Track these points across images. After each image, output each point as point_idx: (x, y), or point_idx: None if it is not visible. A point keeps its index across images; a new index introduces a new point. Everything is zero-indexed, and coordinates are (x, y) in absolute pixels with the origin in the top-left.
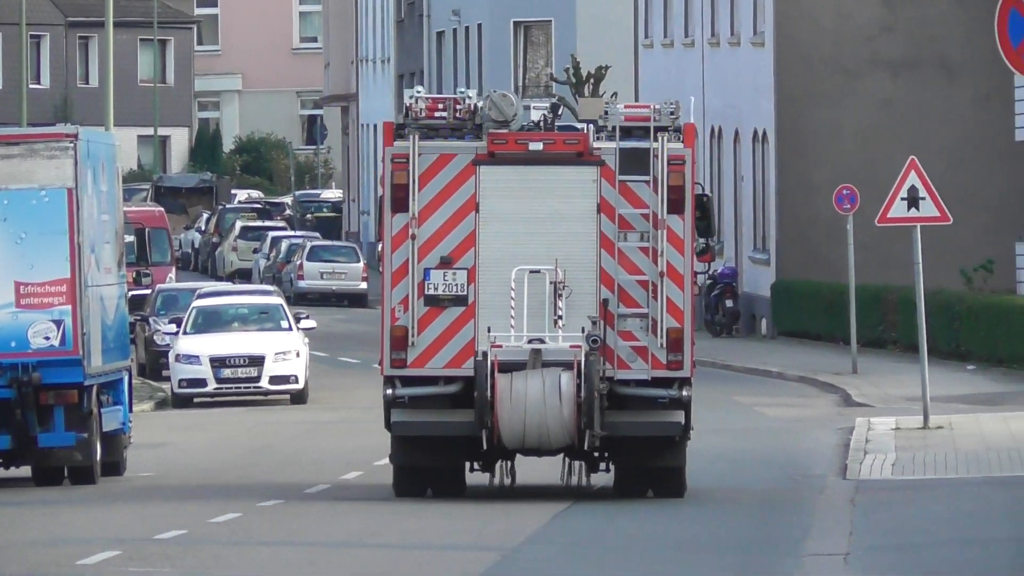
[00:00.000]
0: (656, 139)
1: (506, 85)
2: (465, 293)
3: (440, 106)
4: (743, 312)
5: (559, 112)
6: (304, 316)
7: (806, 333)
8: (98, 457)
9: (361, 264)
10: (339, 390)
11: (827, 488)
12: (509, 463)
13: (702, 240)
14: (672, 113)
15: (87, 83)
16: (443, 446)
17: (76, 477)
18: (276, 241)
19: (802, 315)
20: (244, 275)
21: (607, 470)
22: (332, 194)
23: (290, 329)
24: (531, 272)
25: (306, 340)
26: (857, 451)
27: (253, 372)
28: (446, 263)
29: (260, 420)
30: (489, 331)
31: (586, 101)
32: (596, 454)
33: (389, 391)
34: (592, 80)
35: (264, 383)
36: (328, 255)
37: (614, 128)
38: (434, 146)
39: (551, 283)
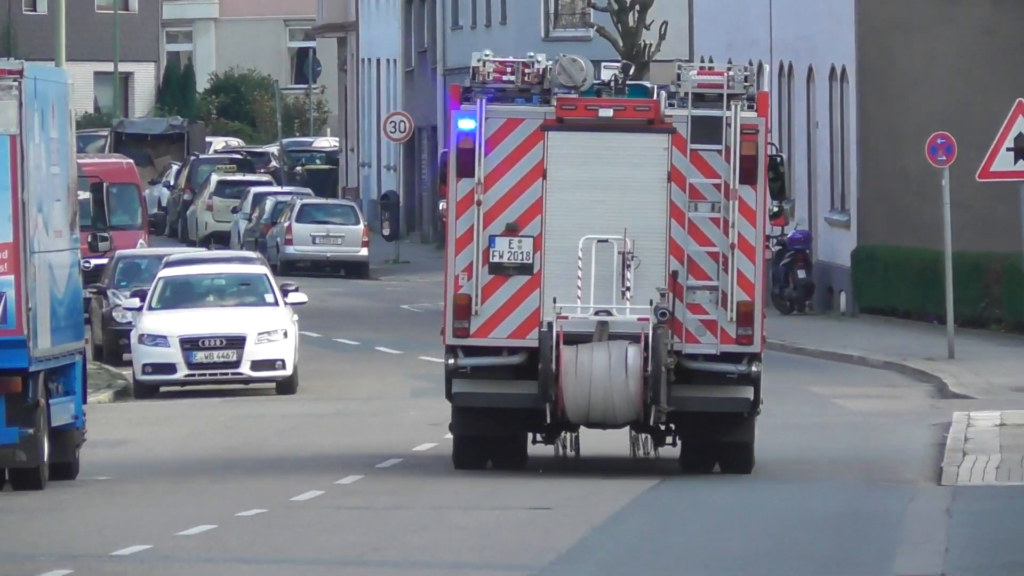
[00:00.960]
0: (729, 107)
1: (535, 12)
2: (531, 262)
3: (508, 69)
4: (818, 284)
5: (630, 71)
6: (293, 289)
7: (893, 310)
8: (46, 457)
9: (361, 226)
10: (334, 377)
11: (919, 495)
12: (573, 435)
13: (774, 203)
14: (746, 80)
15: (34, 9)
16: (505, 417)
17: (19, 481)
18: (259, 199)
19: (889, 288)
20: (221, 239)
21: (674, 444)
22: (326, 143)
23: (276, 304)
24: (599, 241)
25: (295, 317)
26: (954, 452)
27: (232, 356)
28: (512, 230)
29: (240, 413)
30: (555, 302)
31: (657, 66)
32: (663, 428)
33: (451, 361)
34: (638, 6)
35: (245, 369)
36: (322, 216)
37: (686, 94)
38: (502, 110)
39: (619, 253)
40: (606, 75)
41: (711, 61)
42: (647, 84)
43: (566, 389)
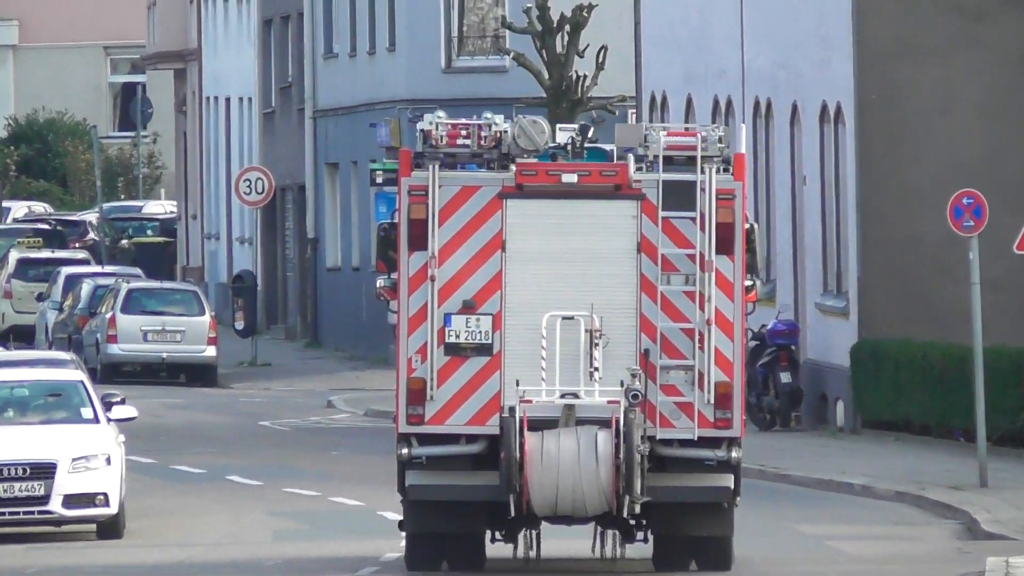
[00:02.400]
0: (703, 171)
1: (433, 36)
2: (490, 341)
3: (463, 132)
4: (807, 391)
5: (589, 134)
6: (118, 400)
7: (906, 424)
8: None
9: (207, 318)
10: (173, 516)
11: None
12: (534, 532)
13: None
14: (720, 140)
15: None
16: (463, 512)
17: None
18: (73, 282)
19: (900, 395)
20: (23, 335)
21: (644, 540)
22: (160, 208)
23: (96, 421)
24: (564, 318)
25: (121, 438)
26: None
27: (37, 489)
28: (469, 308)
29: (48, 564)
30: (518, 384)
31: (623, 127)
32: (633, 522)
33: (404, 450)
34: (567, 27)
35: (55, 506)
36: (155, 304)
37: (655, 157)
38: (456, 177)
39: (586, 331)
40: (562, 137)
41: (662, 97)
42: (606, 148)
43: (531, 479)
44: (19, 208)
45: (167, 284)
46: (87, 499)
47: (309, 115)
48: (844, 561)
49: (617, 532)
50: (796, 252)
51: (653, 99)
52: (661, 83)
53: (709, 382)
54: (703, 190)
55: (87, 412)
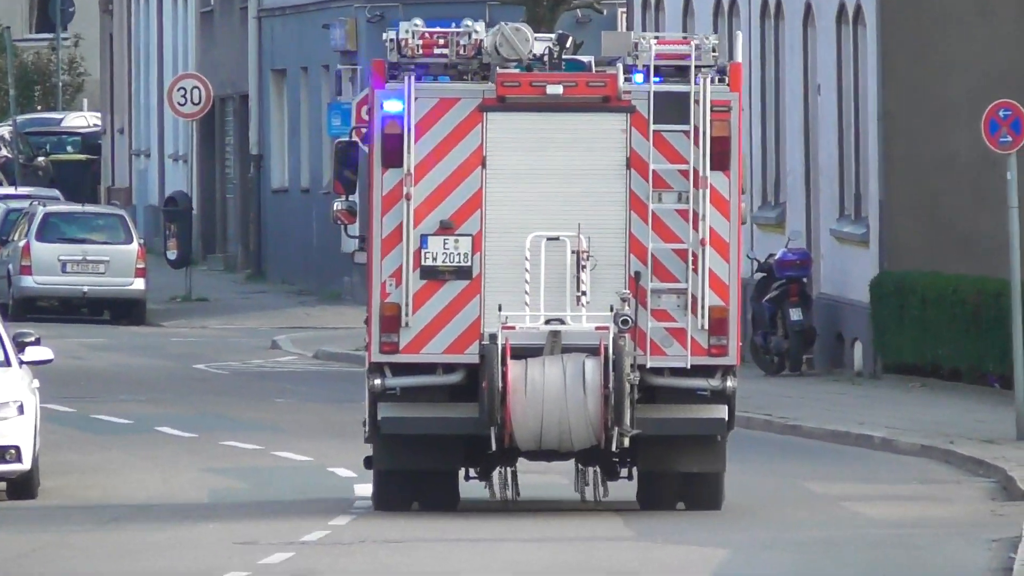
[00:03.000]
0: (697, 81)
1: None
2: (469, 264)
3: (441, 41)
4: (821, 330)
5: (567, 44)
6: (31, 340)
7: (933, 368)
8: None
9: (134, 247)
10: (95, 474)
11: None
12: (510, 470)
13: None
14: (714, 49)
15: None
16: (438, 448)
17: None
18: None
19: (926, 335)
20: None
21: (628, 477)
22: (82, 120)
23: (6, 363)
24: (548, 239)
25: (35, 384)
26: None
27: None
28: (447, 228)
29: None
30: (500, 309)
31: (610, 35)
32: (617, 458)
33: (377, 381)
34: None
35: None
36: (76, 231)
37: (645, 67)
38: (433, 88)
39: (572, 252)
40: (538, 48)
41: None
42: (584, 60)
43: (515, 411)
44: None
45: (89, 208)
46: None
47: (253, 14)
48: (862, 524)
49: (599, 469)
50: (808, 172)
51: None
52: None
53: (703, 306)
54: (697, 102)
55: None
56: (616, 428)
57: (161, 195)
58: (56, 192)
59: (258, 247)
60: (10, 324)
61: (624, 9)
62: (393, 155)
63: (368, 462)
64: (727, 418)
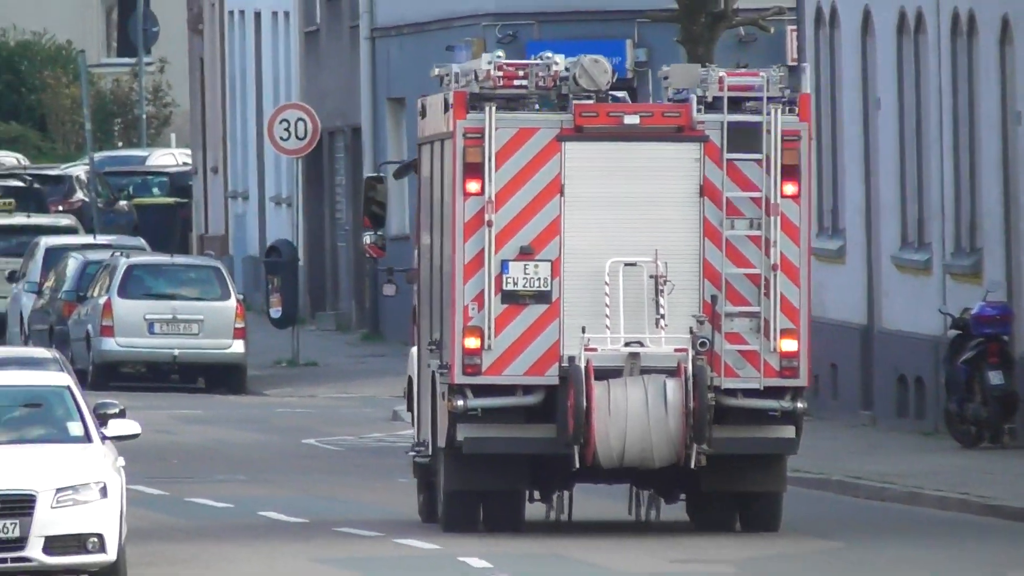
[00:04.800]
0: (768, 112)
1: None
2: (548, 288)
3: (520, 73)
4: None
5: (613, 78)
6: (116, 413)
7: None
8: None
9: (232, 303)
10: (189, 565)
11: None
12: (567, 493)
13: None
14: (780, 80)
15: None
16: (510, 468)
17: None
18: (55, 257)
19: None
20: None
21: (684, 499)
22: (170, 158)
23: (86, 439)
24: (626, 265)
25: (120, 462)
26: None
27: (11, 530)
28: (527, 254)
29: None
30: (583, 332)
31: (678, 68)
32: (683, 478)
33: (460, 402)
34: None
35: (34, 552)
36: (164, 284)
37: (713, 99)
38: (513, 119)
39: (650, 277)
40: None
41: (831, 10)
42: (618, 95)
43: (598, 429)
44: None
45: (179, 259)
46: (76, 542)
47: (365, 35)
48: None
49: (653, 491)
50: (1008, 213)
51: (819, 13)
52: None
53: (775, 330)
54: (768, 131)
55: (75, 428)
56: (697, 445)
57: (262, 244)
58: (141, 241)
59: (374, 303)
60: (90, 394)
61: (794, 28)
62: (473, 183)
63: (426, 486)
64: (796, 438)
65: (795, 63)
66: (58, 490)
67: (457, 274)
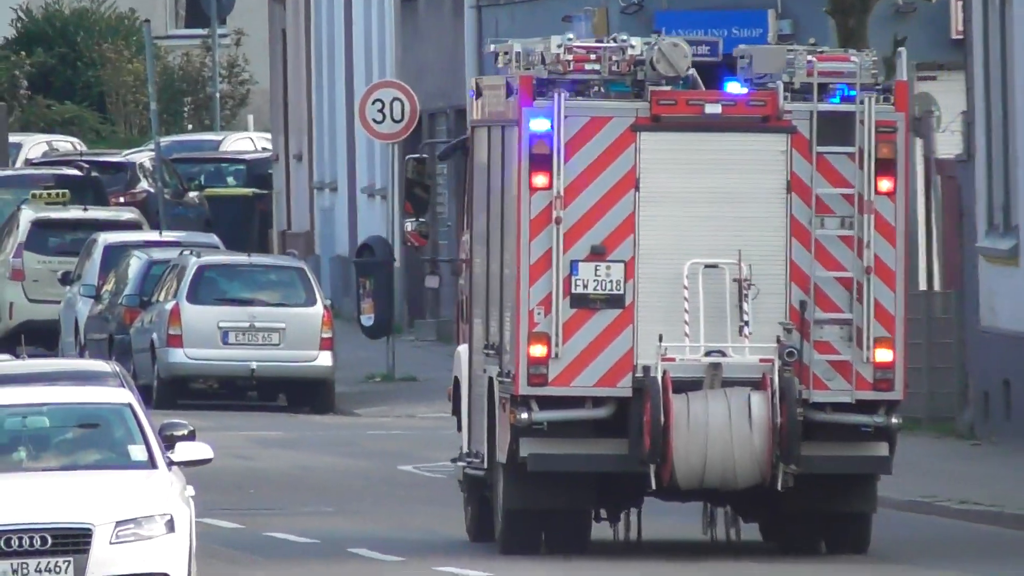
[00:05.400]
0: (862, 101)
1: None
2: (621, 292)
3: (593, 56)
4: None
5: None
6: (184, 435)
7: None
8: None
9: (319, 309)
10: None
11: None
12: (636, 511)
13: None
14: (873, 66)
15: None
16: (573, 486)
17: None
18: (116, 255)
19: None
20: (41, 336)
21: (759, 519)
22: (246, 142)
23: (151, 465)
24: (707, 266)
25: (189, 492)
26: None
27: (64, 569)
28: (598, 254)
29: None
30: (660, 340)
31: (763, 50)
32: (769, 498)
33: (524, 415)
34: None
35: None
36: (240, 288)
37: (801, 85)
38: (584, 106)
39: (733, 280)
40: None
41: None
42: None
43: (677, 447)
44: (35, 144)
45: (258, 259)
46: None
47: (470, 3)
48: None
49: (730, 509)
50: None
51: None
52: None
53: (868, 338)
54: (861, 122)
55: (137, 452)
56: (785, 465)
57: (352, 242)
58: (214, 238)
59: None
60: (155, 413)
61: None
62: (540, 176)
63: (476, 500)
64: (889, 456)
65: (960, 36)
66: (118, 523)
67: (522, 275)
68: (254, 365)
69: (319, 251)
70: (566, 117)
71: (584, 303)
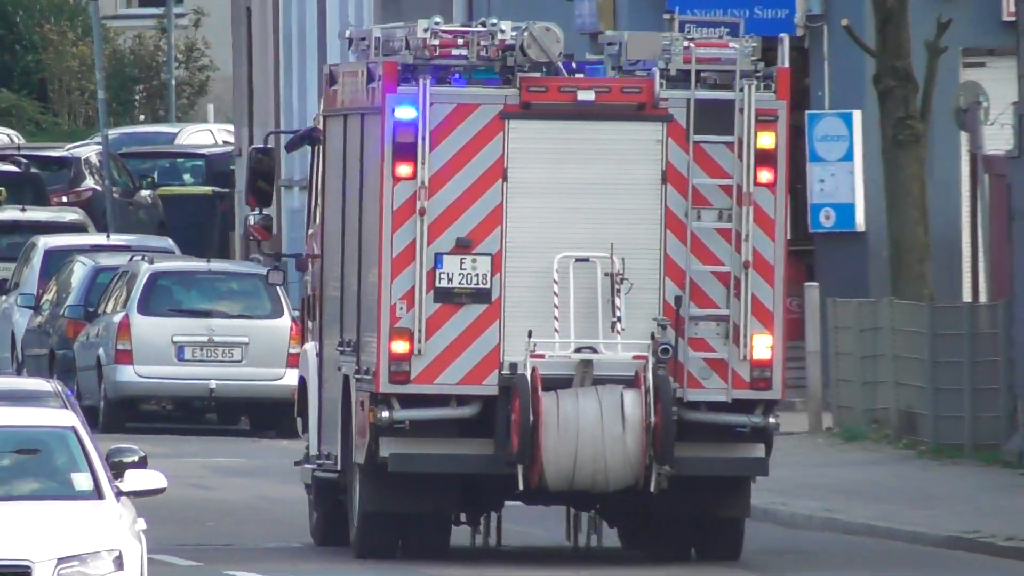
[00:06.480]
0: (741, 88)
1: None
2: (488, 286)
3: (460, 41)
4: None
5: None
6: (135, 461)
7: None
8: None
9: (285, 320)
10: None
11: None
12: (496, 515)
13: None
14: (752, 52)
15: None
16: (435, 489)
17: None
18: (58, 261)
19: None
20: None
21: (639, 523)
22: (206, 135)
23: (97, 495)
24: (578, 260)
25: (140, 526)
26: None
27: None
28: (464, 246)
29: None
30: (530, 335)
31: (638, 36)
32: (639, 502)
33: (385, 413)
34: None
35: None
36: (198, 298)
37: (678, 72)
38: (450, 93)
39: (605, 274)
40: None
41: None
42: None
43: (547, 447)
44: None
45: (218, 265)
46: None
47: None
48: None
49: (594, 513)
50: None
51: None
52: None
53: (745, 336)
54: (741, 110)
55: (82, 480)
56: (659, 466)
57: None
58: (168, 242)
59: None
60: (102, 437)
61: None
62: (404, 166)
63: (324, 503)
64: (766, 458)
65: (1012, 18)
66: (60, 560)
67: (384, 268)
68: (213, 384)
69: (286, 254)
70: (431, 104)
71: (449, 298)
